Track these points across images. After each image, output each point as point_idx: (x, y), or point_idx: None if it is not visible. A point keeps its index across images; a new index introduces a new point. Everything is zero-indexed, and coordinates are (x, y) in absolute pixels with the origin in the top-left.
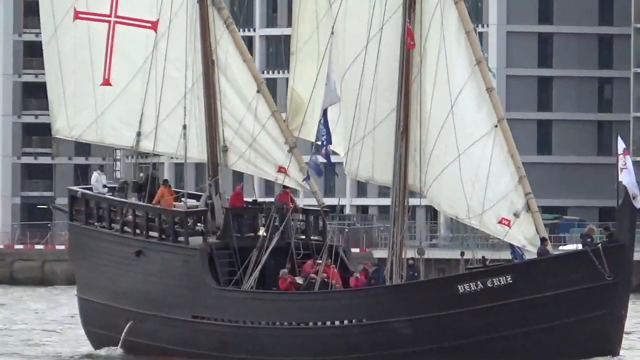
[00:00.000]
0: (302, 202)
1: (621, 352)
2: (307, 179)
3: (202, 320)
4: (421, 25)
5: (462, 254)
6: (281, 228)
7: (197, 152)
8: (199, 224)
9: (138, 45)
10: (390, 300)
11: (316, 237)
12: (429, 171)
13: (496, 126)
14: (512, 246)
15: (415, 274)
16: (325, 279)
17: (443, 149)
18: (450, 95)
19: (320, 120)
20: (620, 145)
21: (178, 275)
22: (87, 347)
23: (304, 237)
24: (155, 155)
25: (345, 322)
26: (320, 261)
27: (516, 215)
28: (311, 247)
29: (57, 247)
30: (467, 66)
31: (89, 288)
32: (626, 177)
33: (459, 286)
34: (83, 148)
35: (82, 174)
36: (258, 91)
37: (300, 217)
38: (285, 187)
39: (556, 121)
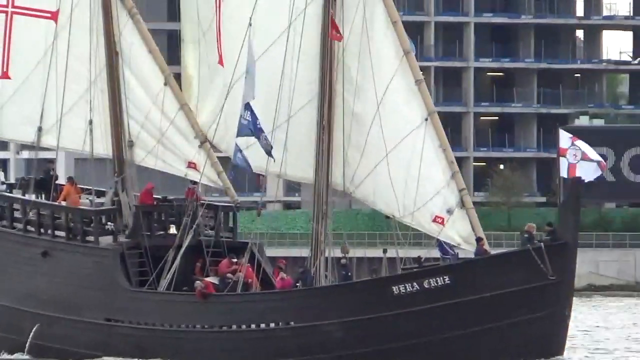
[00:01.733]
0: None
1: (565, 353)
2: (233, 174)
3: (117, 324)
4: (343, 15)
5: (385, 251)
6: (194, 226)
7: (103, 147)
8: (109, 223)
9: (37, 36)
10: (322, 302)
11: (227, 235)
12: (359, 168)
13: (426, 119)
14: (440, 243)
15: (349, 274)
16: (246, 280)
17: (373, 144)
18: (377, 88)
19: (242, 115)
20: (565, 136)
21: (89, 276)
22: None
23: (212, 234)
24: (44, 150)
25: (272, 325)
26: (236, 260)
27: (449, 212)
28: (222, 245)
29: None
30: (394, 58)
31: None
32: (584, 166)
33: (393, 287)
34: None
35: None
36: (165, 84)
37: (207, 214)
38: (193, 182)
39: None
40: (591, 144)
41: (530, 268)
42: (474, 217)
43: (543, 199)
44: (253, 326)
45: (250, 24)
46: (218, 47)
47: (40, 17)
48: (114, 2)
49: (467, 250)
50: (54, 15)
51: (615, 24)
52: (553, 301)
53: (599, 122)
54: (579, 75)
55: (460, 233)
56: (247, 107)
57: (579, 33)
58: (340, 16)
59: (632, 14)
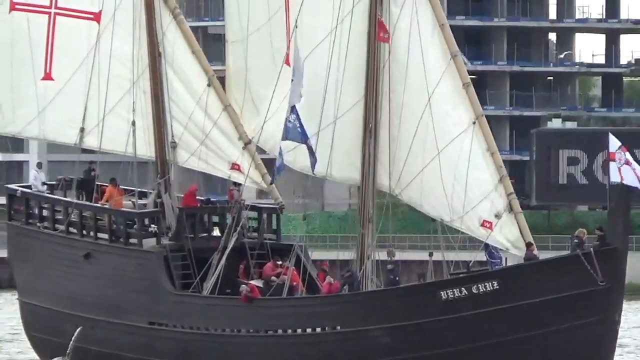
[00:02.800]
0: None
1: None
2: (277, 174)
3: (160, 327)
4: (389, 16)
5: (431, 254)
6: (238, 227)
7: (146, 149)
8: (152, 225)
9: (80, 37)
10: (368, 307)
11: (270, 237)
12: (406, 170)
13: (474, 123)
14: (487, 247)
15: (396, 279)
16: (291, 283)
17: (420, 147)
18: (427, 90)
19: (288, 118)
20: (614, 143)
21: (132, 279)
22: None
23: (256, 236)
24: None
25: (318, 329)
26: (281, 262)
27: (497, 216)
28: (266, 247)
29: None
30: (442, 60)
31: (32, 291)
32: (629, 175)
33: (441, 292)
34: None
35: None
36: (209, 84)
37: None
38: (235, 184)
39: None
40: (564, 147)
41: (580, 273)
42: (523, 222)
43: None
44: (299, 331)
45: (296, 26)
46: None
47: (82, 18)
48: (157, 3)
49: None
50: (96, 17)
51: (588, 27)
52: (603, 307)
53: (571, 125)
54: (551, 78)
55: (508, 237)
56: (294, 110)
57: (552, 36)
58: (387, 17)
59: (604, 17)
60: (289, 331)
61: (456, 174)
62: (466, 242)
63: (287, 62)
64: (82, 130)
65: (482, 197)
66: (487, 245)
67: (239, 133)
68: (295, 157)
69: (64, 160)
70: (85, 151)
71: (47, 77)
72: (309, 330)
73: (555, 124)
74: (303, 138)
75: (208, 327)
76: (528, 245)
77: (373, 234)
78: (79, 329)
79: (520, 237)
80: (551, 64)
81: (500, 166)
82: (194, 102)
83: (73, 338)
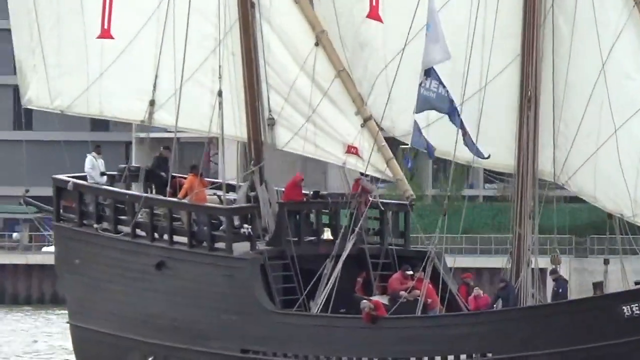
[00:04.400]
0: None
1: None
2: (411, 163)
3: (257, 356)
4: None
5: (606, 261)
6: (356, 229)
7: (234, 127)
8: (244, 226)
9: None
10: (528, 327)
11: (397, 242)
12: (573, 153)
13: None
14: None
15: (560, 290)
16: (425, 300)
17: (593, 121)
18: (600, 48)
19: (423, 84)
20: None
21: (219, 294)
22: None
23: (378, 240)
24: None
25: (463, 356)
26: (412, 273)
27: None
28: (391, 255)
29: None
30: (623, 7)
31: (88, 313)
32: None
33: (624, 307)
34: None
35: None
36: (317, 43)
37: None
38: (362, 173)
39: None
40: None
41: None
42: None
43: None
44: (438, 358)
45: None
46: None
47: None
48: None
49: None
50: None
51: None
52: None
53: None
54: None
55: None
56: (430, 73)
57: None
58: None
59: None
60: (425, 359)
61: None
62: None
63: (371, 15)
64: (151, 103)
65: None
66: None
67: (357, 106)
68: (428, 138)
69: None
70: (96, 127)
71: (105, 34)
72: (450, 357)
73: None
74: (451, 109)
75: (319, 354)
76: None
77: (534, 234)
78: (150, 359)
79: None
80: None
81: None
82: (298, 67)
83: None
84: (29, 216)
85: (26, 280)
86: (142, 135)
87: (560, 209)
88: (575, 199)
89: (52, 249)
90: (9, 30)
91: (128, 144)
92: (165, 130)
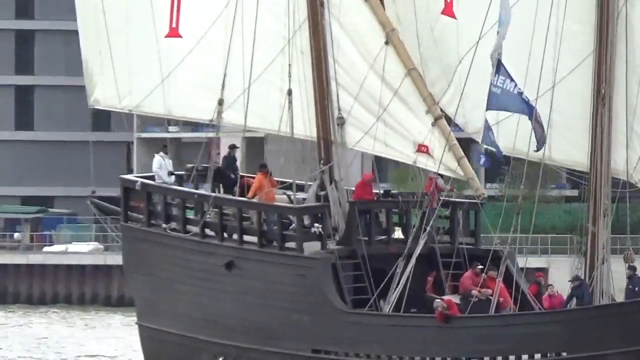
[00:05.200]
0: None
1: None
2: (486, 160)
3: (328, 356)
4: None
5: None
6: (427, 228)
7: (303, 126)
8: (315, 225)
9: None
10: (603, 326)
11: (468, 241)
12: None
13: None
14: None
15: (637, 289)
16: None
17: None
18: None
19: (493, 81)
20: None
21: (289, 294)
22: None
23: (449, 240)
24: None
25: (538, 356)
26: (484, 270)
27: None
28: (462, 254)
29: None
30: None
31: (156, 313)
32: None
33: None
34: None
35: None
36: (387, 42)
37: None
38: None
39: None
40: None
41: None
42: None
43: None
44: (512, 358)
45: None
46: None
47: None
48: None
49: None
50: None
51: None
52: None
53: None
54: None
55: None
56: (501, 69)
57: None
58: None
59: None
60: (499, 358)
61: None
62: None
63: (446, 12)
64: (220, 102)
65: None
66: None
67: (427, 105)
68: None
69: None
70: (97, 126)
71: (173, 33)
72: (525, 357)
73: None
74: (526, 106)
75: (392, 354)
76: None
77: (607, 232)
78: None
79: None
80: None
81: None
82: (368, 66)
83: None
84: (30, 216)
85: (27, 279)
86: (145, 135)
87: (633, 206)
88: None
89: (53, 248)
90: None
91: (130, 144)
92: (167, 131)
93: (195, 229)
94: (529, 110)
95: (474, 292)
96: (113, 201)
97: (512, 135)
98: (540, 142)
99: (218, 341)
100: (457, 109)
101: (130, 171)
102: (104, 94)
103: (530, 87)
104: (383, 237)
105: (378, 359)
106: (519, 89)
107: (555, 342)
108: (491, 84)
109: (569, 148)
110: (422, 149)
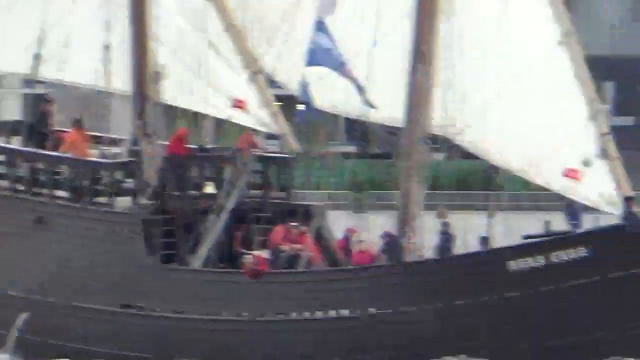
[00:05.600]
0: None
1: None
2: (301, 116)
3: (138, 312)
4: None
5: (491, 215)
6: (239, 183)
7: (121, 81)
8: (126, 180)
9: None
10: (413, 282)
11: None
12: (465, 106)
13: (561, 43)
14: (569, 205)
15: (447, 246)
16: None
17: (484, 73)
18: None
19: (314, 38)
20: None
21: (99, 249)
22: None
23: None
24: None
25: (346, 312)
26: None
27: (586, 164)
28: (272, 209)
29: None
30: None
31: None
32: None
33: (510, 262)
34: None
35: None
36: None
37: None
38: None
39: None
40: None
41: None
42: (619, 171)
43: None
44: (320, 314)
45: None
46: None
47: None
48: None
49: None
50: None
51: None
52: None
53: None
54: None
55: (600, 191)
56: (320, 27)
57: None
58: None
59: None
60: (307, 314)
61: (533, 109)
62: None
63: None
64: (37, 56)
65: (565, 138)
66: (568, 203)
67: (245, 60)
68: (318, 91)
69: None
70: None
71: None
72: (333, 313)
73: None
74: (337, 63)
75: (200, 309)
76: (626, 199)
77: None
78: (24, 315)
79: (617, 192)
80: None
81: (592, 98)
82: (186, 21)
83: (16, 327)
84: None
85: None
86: None
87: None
88: (466, 155)
89: None
90: None
91: None
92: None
93: (5, 184)
94: (338, 65)
95: (284, 247)
96: None
97: (332, 92)
98: (364, 100)
99: (23, 296)
100: (275, 65)
101: None
102: None
103: (352, 45)
104: (195, 192)
105: (187, 314)
106: (332, 44)
107: (365, 298)
108: (310, 41)
109: (388, 104)
110: (238, 104)
